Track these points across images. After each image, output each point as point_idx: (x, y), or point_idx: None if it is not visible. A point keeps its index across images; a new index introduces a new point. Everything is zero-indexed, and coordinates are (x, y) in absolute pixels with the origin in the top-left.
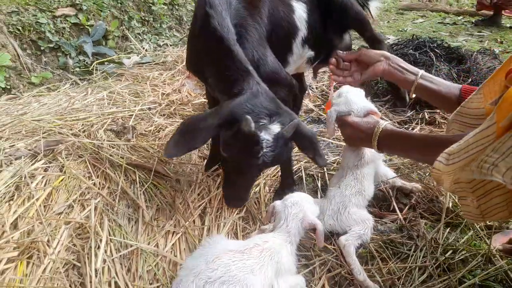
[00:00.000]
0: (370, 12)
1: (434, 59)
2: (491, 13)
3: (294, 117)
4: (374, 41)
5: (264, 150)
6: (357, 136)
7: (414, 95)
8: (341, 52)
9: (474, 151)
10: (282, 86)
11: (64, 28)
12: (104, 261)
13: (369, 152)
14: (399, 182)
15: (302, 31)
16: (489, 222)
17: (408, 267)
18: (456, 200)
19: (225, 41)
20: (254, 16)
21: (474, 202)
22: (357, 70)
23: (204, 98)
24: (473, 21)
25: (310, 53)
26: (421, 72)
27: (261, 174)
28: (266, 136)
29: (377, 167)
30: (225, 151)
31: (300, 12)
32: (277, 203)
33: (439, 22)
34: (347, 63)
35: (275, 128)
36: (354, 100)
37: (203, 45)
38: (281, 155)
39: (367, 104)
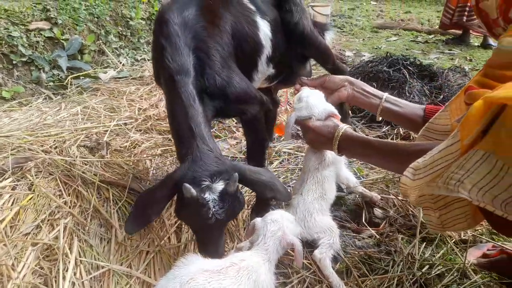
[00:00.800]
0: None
1: (407, 76)
2: (460, 32)
3: (238, 169)
4: (337, 72)
5: (213, 209)
6: (318, 140)
7: (380, 118)
8: (305, 78)
9: (439, 167)
10: (252, 104)
11: (38, 42)
12: (73, 284)
13: (330, 155)
14: (360, 189)
15: (267, 49)
16: (449, 232)
17: (385, 282)
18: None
19: (176, 84)
20: (215, 36)
21: (436, 213)
22: None
23: None
24: (444, 39)
25: (271, 70)
26: (385, 95)
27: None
28: (211, 196)
29: (339, 170)
30: (179, 217)
31: (265, 30)
32: (258, 220)
33: (411, 40)
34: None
35: (219, 186)
36: (315, 103)
37: (161, 73)
38: (234, 209)
39: (327, 107)
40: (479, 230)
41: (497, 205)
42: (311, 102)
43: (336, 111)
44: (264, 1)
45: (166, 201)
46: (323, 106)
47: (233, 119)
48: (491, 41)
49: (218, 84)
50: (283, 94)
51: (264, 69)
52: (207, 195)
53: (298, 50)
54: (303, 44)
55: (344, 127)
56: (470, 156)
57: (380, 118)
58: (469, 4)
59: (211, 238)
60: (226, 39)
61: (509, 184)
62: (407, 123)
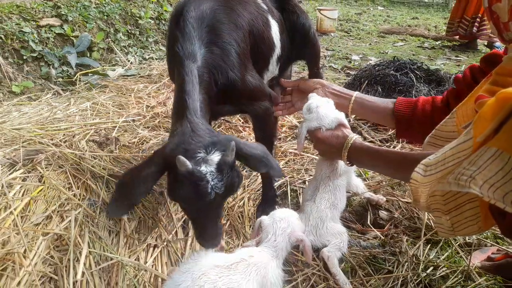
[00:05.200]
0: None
1: (414, 80)
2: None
3: (231, 139)
4: (316, 78)
5: (212, 183)
6: (328, 150)
7: (353, 116)
8: (283, 79)
9: (450, 163)
10: (264, 101)
11: (48, 38)
12: (83, 274)
13: (342, 164)
14: (368, 194)
15: (278, 48)
16: (459, 236)
17: (390, 282)
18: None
19: (184, 68)
20: (231, 32)
21: (446, 215)
22: (298, 99)
23: None
24: (451, 45)
25: (276, 71)
26: (356, 92)
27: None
28: (208, 169)
29: (349, 178)
30: (172, 196)
31: (276, 30)
32: (264, 218)
33: (418, 46)
34: (289, 95)
35: (215, 157)
36: (325, 114)
37: (174, 62)
38: (232, 182)
39: (337, 115)
40: (484, 234)
41: (507, 202)
42: (321, 112)
43: (345, 121)
44: (271, 1)
45: (155, 179)
46: (333, 116)
47: (239, 118)
48: (499, 44)
49: (231, 79)
50: None
51: (273, 69)
52: (204, 168)
53: (299, 51)
54: (307, 44)
55: (353, 138)
56: (482, 153)
57: (353, 116)
58: (479, 14)
59: (209, 220)
60: (242, 36)
61: None
62: (377, 117)
